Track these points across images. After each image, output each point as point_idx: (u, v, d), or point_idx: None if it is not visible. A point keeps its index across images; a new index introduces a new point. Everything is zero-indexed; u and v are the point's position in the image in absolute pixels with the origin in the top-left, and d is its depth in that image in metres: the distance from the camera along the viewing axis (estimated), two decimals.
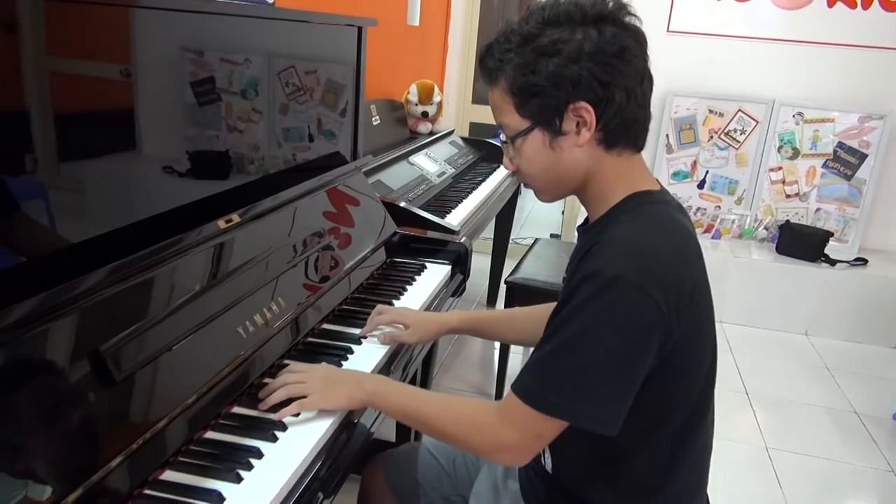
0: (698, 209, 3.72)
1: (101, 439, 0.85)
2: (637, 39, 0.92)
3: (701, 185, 3.72)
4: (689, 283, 0.90)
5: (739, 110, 3.59)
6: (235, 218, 1.24)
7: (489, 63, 0.95)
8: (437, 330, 1.33)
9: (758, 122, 3.59)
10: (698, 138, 3.66)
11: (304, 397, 1.02)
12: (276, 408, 1.02)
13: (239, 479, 0.88)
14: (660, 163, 3.69)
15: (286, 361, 1.19)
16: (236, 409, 1.04)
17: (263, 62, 1.43)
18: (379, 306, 1.34)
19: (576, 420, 0.88)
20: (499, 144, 3.16)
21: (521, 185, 0.97)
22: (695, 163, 3.69)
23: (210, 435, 0.97)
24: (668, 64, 3.37)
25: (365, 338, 1.30)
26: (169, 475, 0.88)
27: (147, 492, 0.85)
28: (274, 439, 0.97)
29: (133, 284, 0.98)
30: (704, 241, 3.63)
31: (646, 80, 0.93)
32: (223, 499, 0.84)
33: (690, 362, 0.94)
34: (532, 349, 0.97)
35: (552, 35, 0.89)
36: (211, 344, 1.06)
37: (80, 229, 0.99)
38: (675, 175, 3.72)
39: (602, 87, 0.89)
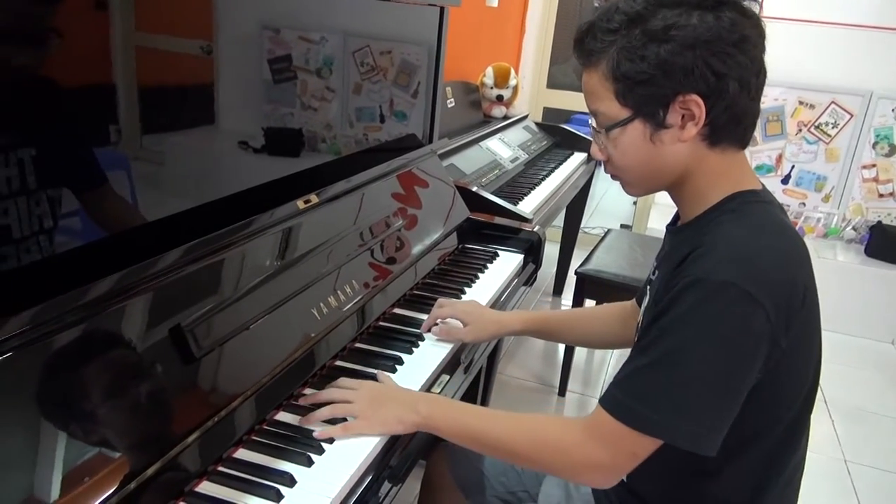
0: (781, 205, 3.55)
1: (179, 415, 0.86)
2: (757, 28, 0.84)
3: (785, 180, 3.54)
4: (800, 291, 0.83)
5: (832, 102, 3.39)
6: (313, 198, 1.24)
7: (589, 44, 0.87)
8: (497, 331, 1.26)
9: (852, 116, 3.38)
10: (785, 131, 3.48)
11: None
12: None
13: (310, 463, 0.87)
14: None
15: (358, 345, 1.18)
16: (308, 392, 1.03)
17: (339, 41, 1.41)
18: (440, 300, 1.30)
19: (674, 439, 0.81)
20: (573, 130, 3.08)
21: (609, 175, 0.91)
22: (780, 156, 3.52)
23: (282, 416, 0.97)
24: None
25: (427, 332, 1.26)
26: (242, 453, 0.89)
27: (221, 469, 0.85)
28: None
29: (211, 263, 0.98)
30: None
31: (762, 72, 0.85)
32: (294, 481, 0.84)
33: (793, 376, 0.87)
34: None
35: (665, 18, 0.81)
36: (285, 324, 1.06)
37: (160, 203, 0.99)
38: (758, 169, 3.55)
39: (716, 78, 0.81)
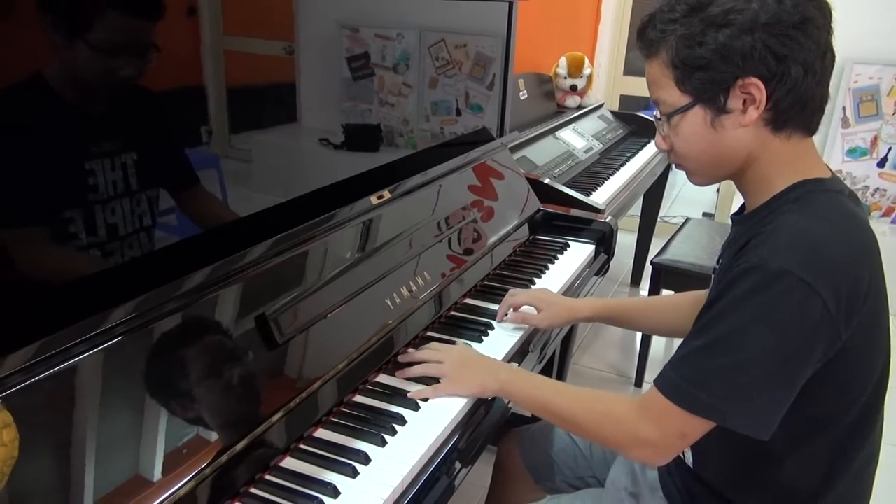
0: (877, 190, 3.36)
1: (264, 396, 0.93)
2: (821, 9, 0.83)
3: (881, 163, 3.34)
4: (864, 284, 0.82)
5: None
6: (387, 194, 1.29)
7: (650, 34, 0.89)
8: (569, 317, 1.29)
9: None
10: (881, 111, 3.28)
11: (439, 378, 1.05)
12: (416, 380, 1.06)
13: (384, 443, 0.93)
14: (833, 138, 3.35)
15: (429, 334, 1.23)
16: (382, 377, 1.09)
17: (415, 37, 1.45)
18: (512, 289, 1.33)
19: (725, 421, 0.82)
20: (650, 118, 3.02)
21: (673, 165, 0.91)
22: (875, 138, 3.32)
23: (358, 399, 1.03)
24: (848, 27, 3.01)
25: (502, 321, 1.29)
26: (322, 433, 0.95)
27: (302, 446, 0.92)
28: (416, 407, 1.01)
29: (293, 256, 1.05)
30: (882, 226, 3.28)
31: (828, 55, 0.84)
32: (369, 459, 0.89)
33: (857, 368, 0.86)
34: (675, 339, 0.92)
35: (724, 4, 0.82)
36: (361, 313, 1.12)
37: (247, 199, 1.06)
38: (851, 152, 3.37)
39: (777, 61, 0.81)
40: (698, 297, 1.23)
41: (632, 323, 1.32)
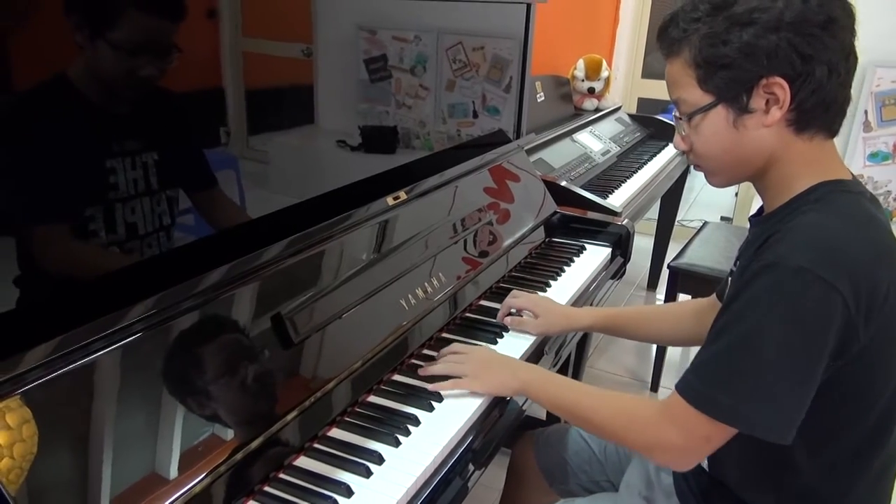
0: None
1: (279, 394, 0.93)
2: (846, 10, 0.82)
3: None
4: (884, 285, 0.80)
5: None
6: (403, 195, 1.29)
7: (672, 33, 0.88)
8: (566, 325, 1.28)
9: None
10: None
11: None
12: (434, 378, 1.07)
13: (397, 444, 0.93)
14: (854, 142, 3.31)
15: (444, 335, 1.23)
16: (397, 377, 1.09)
17: (433, 39, 1.45)
18: (514, 291, 1.32)
19: (748, 427, 0.81)
20: (668, 121, 3.01)
21: (692, 166, 0.90)
22: None
23: (373, 399, 1.03)
24: (870, 29, 2.96)
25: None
26: (336, 433, 0.95)
27: (317, 446, 0.92)
28: (430, 409, 1.01)
29: (310, 255, 1.06)
30: None
31: (851, 56, 0.83)
32: (383, 460, 0.90)
33: (876, 372, 0.84)
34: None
35: (749, 2, 0.82)
36: (377, 313, 1.12)
37: (265, 200, 1.07)
38: (873, 156, 3.32)
39: (802, 60, 0.80)
40: (699, 305, 1.22)
41: (632, 332, 1.31)
